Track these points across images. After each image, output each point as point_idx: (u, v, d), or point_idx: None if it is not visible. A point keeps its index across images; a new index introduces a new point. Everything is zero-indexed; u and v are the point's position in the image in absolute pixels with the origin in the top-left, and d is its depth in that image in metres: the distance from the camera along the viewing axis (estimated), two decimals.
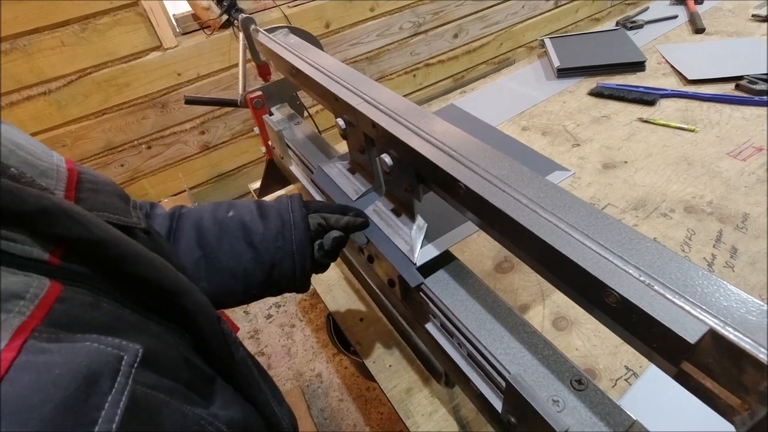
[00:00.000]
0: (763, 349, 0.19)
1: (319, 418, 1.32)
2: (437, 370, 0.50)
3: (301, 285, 0.45)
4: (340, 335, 1.29)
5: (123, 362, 0.21)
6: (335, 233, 0.44)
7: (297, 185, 0.73)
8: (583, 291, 0.25)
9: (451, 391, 0.55)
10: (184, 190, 1.48)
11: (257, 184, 0.92)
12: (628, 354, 0.56)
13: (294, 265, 0.43)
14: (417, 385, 0.57)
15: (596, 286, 0.23)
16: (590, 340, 0.59)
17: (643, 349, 0.23)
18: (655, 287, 0.22)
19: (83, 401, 0.19)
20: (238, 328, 0.38)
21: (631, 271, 0.23)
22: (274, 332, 1.70)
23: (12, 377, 0.18)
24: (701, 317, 0.21)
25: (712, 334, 0.20)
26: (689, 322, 0.20)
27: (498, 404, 0.35)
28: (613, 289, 0.23)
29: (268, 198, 0.91)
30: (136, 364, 0.22)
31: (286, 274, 0.43)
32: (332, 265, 0.80)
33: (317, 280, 0.77)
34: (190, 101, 0.91)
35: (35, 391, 0.18)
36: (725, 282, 0.23)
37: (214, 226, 0.43)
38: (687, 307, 0.21)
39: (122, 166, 1.37)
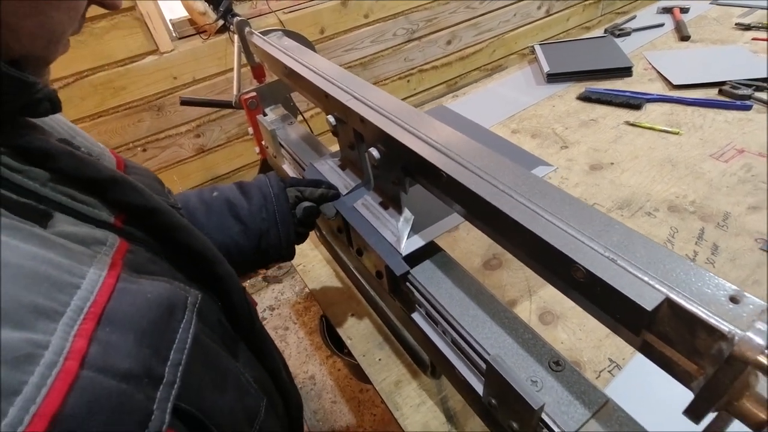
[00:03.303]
0: (714, 316, 0.21)
1: (311, 420, 1.32)
2: (423, 361, 0.51)
3: (287, 253, 0.50)
4: (333, 337, 1.29)
5: (188, 301, 0.25)
6: (306, 203, 0.49)
7: None
8: (554, 268, 0.26)
9: (438, 383, 0.56)
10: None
11: None
12: (612, 347, 0.58)
13: (279, 233, 0.47)
14: (406, 378, 0.58)
15: (565, 262, 0.25)
16: (575, 334, 0.60)
17: (609, 322, 0.25)
18: (619, 262, 0.24)
19: (167, 322, 0.23)
20: (257, 303, 0.41)
21: (597, 249, 0.25)
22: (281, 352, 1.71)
23: (116, 297, 0.22)
24: (659, 288, 0.22)
25: (669, 303, 0.22)
26: (647, 291, 0.22)
27: (480, 388, 0.36)
28: (580, 264, 0.24)
29: None
30: (197, 305, 0.26)
31: (273, 243, 0.47)
32: (324, 262, 0.81)
33: (311, 278, 0.78)
34: (185, 102, 0.92)
35: (134, 308, 0.22)
36: (689, 261, 0.24)
37: (202, 205, 0.46)
38: (647, 279, 0.23)
39: None
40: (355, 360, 0.63)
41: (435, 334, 0.42)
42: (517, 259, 0.32)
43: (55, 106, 0.27)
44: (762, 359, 0.18)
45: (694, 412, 0.21)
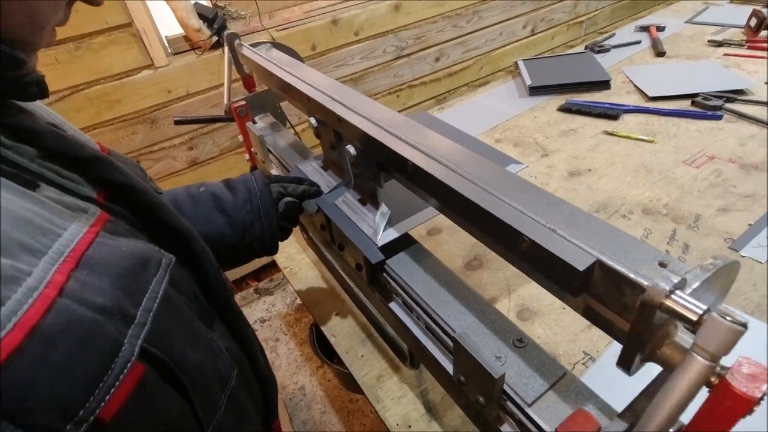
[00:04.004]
0: (637, 273, 0.23)
1: (301, 430, 1.31)
2: (403, 351, 0.53)
3: (271, 245, 0.52)
4: (323, 346, 1.30)
5: (162, 261, 0.28)
6: (288, 199, 0.51)
7: None
8: (505, 241, 0.28)
9: (419, 377, 0.58)
10: None
11: None
12: (586, 341, 0.60)
13: (263, 225, 0.50)
14: (387, 373, 0.60)
15: (513, 234, 0.27)
16: (551, 329, 0.62)
17: (554, 289, 0.27)
18: (559, 232, 0.26)
19: (140, 273, 0.26)
20: (233, 287, 0.43)
21: (542, 222, 0.28)
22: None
23: (95, 246, 0.25)
24: (592, 252, 0.25)
25: (600, 265, 0.24)
26: (581, 255, 0.24)
27: (450, 367, 0.38)
28: (525, 235, 0.26)
29: None
30: (170, 266, 0.28)
31: (257, 235, 0.50)
32: (311, 264, 0.83)
33: (297, 280, 0.80)
34: (179, 122, 0.95)
35: (111, 256, 0.25)
36: (630, 235, 0.27)
37: (189, 199, 0.49)
38: (582, 245, 0.25)
39: None
40: (344, 368, 0.64)
41: (410, 321, 0.44)
42: (495, 260, 0.35)
43: (42, 91, 0.29)
44: (667, 301, 0.20)
45: (623, 362, 0.23)
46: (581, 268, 0.23)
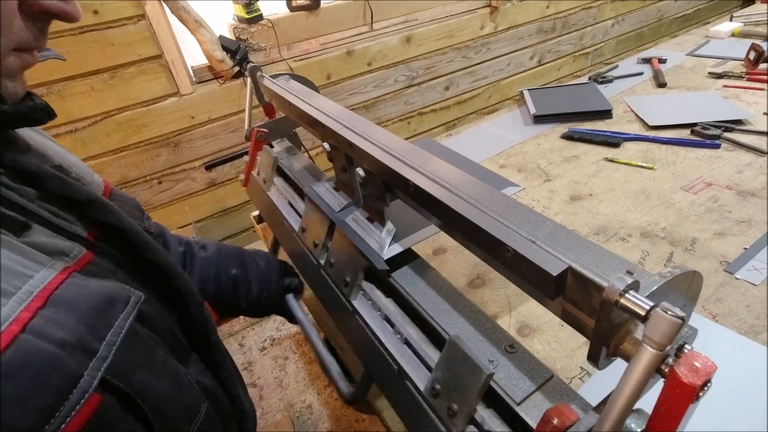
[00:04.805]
0: (601, 278, 0.27)
1: None
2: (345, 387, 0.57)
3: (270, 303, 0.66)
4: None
5: (131, 299, 0.30)
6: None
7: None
8: (491, 250, 0.32)
9: None
10: (190, 224, 1.57)
11: (257, 212, 1.02)
12: (583, 357, 0.62)
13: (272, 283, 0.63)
14: None
15: (498, 244, 0.31)
16: (550, 345, 0.65)
17: (535, 294, 0.31)
18: (538, 243, 0.30)
19: (105, 311, 0.28)
20: (218, 318, 0.46)
21: (524, 235, 0.32)
22: (267, 364, 1.72)
23: (63, 287, 0.27)
24: (565, 260, 0.29)
25: (571, 271, 0.28)
26: (554, 262, 0.28)
27: (422, 383, 0.40)
28: (508, 246, 0.30)
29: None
30: (139, 303, 0.31)
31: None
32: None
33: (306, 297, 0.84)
34: (210, 167, 1.03)
35: (78, 296, 0.27)
36: (602, 246, 0.31)
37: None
38: (558, 255, 0.29)
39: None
40: (352, 386, 0.67)
41: (386, 337, 0.46)
42: (497, 278, 0.39)
43: (50, 114, 0.32)
44: (621, 299, 0.24)
45: (591, 357, 0.27)
46: (554, 273, 0.27)
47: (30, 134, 0.37)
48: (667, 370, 0.24)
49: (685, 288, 0.30)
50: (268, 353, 1.74)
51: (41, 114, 0.32)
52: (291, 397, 1.51)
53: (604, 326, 0.25)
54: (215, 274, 0.61)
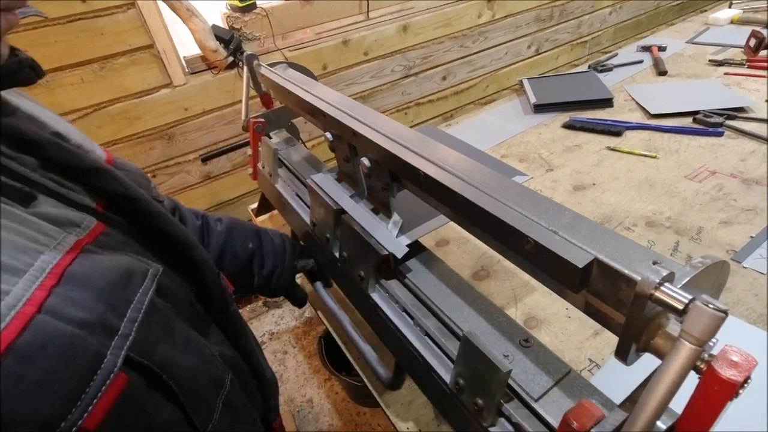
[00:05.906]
0: (631, 270, 0.25)
1: None
2: (380, 375, 0.55)
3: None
4: (332, 359, 1.31)
5: (149, 272, 0.28)
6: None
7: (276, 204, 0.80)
8: (511, 243, 0.31)
9: None
10: None
11: (255, 204, 1.00)
12: (591, 348, 0.61)
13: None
14: None
15: (518, 236, 0.30)
16: (557, 337, 0.64)
17: (556, 287, 0.30)
18: (560, 234, 0.29)
19: (124, 286, 0.27)
20: (233, 287, 0.44)
21: (545, 225, 0.30)
22: (267, 359, 1.72)
23: (78, 262, 0.25)
24: (591, 251, 0.27)
25: (597, 262, 0.27)
26: (580, 254, 0.27)
27: (447, 376, 0.39)
28: (529, 237, 0.29)
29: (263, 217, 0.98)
30: (157, 276, 0.29)
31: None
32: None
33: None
34: (206, 159, 1.00)
35: (93, 271, 0.26)
36: (623, 236, 0.29)
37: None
38: (582, 245, 0.28)
39: None
40: (352, 381, 0.67)
41: (408, 329, 0.45)
42: (502, 270, 0.37)
43: (38, 72, 0.30)
44: (656, 293, 0.22)
45: (620, 353, 0.25)
46: (580, 265, 0.26)
47: (22, 101, 0.35)
48: (703, 366, 0.23)
49: (713, 278, 0.29)
50: (267, 348, 1.73)
51: (29, 72, 0.30)
52: (291, 391, 1.51)
53: (635, 321, 0.24)
54: (232, 247, 0.61)
